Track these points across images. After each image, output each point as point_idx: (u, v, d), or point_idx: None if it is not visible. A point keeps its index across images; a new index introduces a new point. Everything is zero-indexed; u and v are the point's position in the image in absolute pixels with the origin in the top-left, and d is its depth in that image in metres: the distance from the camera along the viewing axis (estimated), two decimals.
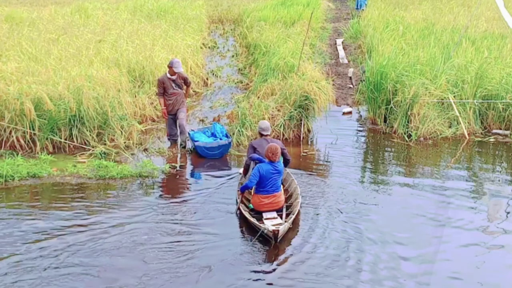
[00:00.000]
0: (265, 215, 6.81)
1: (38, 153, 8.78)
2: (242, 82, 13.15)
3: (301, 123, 10.02)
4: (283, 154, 7.24)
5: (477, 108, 10.32)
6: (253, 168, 7.01)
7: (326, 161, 9.15)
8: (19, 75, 9.61)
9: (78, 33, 13.08)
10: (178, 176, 8.38)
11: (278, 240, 6.26)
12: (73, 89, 9.29)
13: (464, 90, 10.40)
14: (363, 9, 21.27)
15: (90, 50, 11.68)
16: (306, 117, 10.03)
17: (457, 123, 10.12)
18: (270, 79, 11.01)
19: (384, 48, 12.67)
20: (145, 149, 9.27)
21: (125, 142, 9.22)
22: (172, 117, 9.23)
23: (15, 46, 11.62)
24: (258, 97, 10.53)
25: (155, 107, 10.73)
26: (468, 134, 9.98)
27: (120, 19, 15.60)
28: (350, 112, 11.52)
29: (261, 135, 7.53)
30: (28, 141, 8.95)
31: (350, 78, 13.33)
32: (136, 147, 9.27)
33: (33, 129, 8.87)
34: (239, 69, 14.38)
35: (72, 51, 11.50)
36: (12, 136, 8.86)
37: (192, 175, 8.58)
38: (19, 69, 9.94)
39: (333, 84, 11.95)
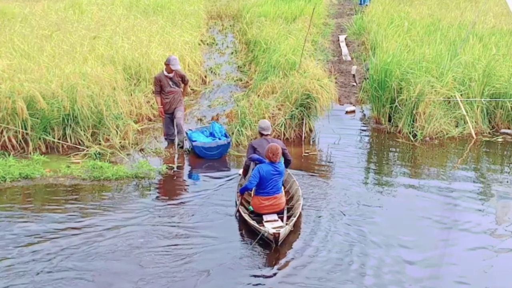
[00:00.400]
0: (265, 217, 6.80)
1: (30, 153, 8.75)
2: (241, 80, 13.10)
3: (302, 123, 9.97)
4: (284, 154, 7.17)
5: (485, 107, 10.28)
6: (253, 169, 6.97)
7: (329, 162, 9.11)
8: (11, 73, 9.55)
9: (72, 29, 13.01)
10: (175, 177, 8.34)
11: (279, 243, 6.23)
12: (67, 87, 9.25)
13: (471, 88, 10.35)
14: (366, 5, 21.12)
15: (84, 46, 11.61)
16: (308, 116, 9.99)
17: (464, 122, 10.08)
18: (270, 77, 10.97)
19: (388, 45, 12.60)
20: (141, 149, 9.23)
21: (120, 142, 9.19)
22: (169, 116, 9.19)
23: (6, 43, 11.56)
24: (258, 96, 10.49)
25: (151, 105, 10.69)
26: (476, 134, 9.94)
27: (115, 14, 15.56)
28: (353, 111, 11.47)
29: (261, 134, 7.48)
30: (20, 141, 8.92)
31: (353, 75, 13.26)
32: (132, 147, 9.23)
33: (26, 129, 8.84)
34: (238, 66, 14.34)
35: (65, 47, 11.43)
36: (4, 136, 8.82)
37: (190, 176, 8.57)
38: (11, 66, 9.88)
39: (336, 82, 11.91)
